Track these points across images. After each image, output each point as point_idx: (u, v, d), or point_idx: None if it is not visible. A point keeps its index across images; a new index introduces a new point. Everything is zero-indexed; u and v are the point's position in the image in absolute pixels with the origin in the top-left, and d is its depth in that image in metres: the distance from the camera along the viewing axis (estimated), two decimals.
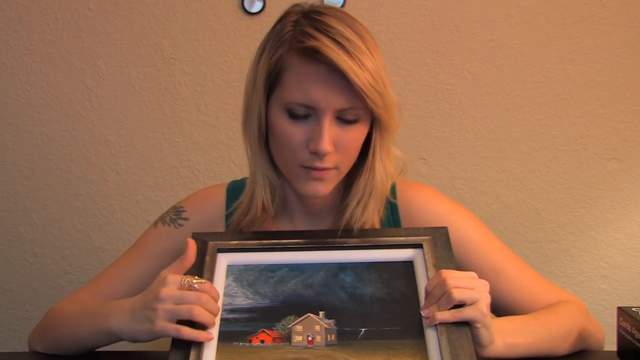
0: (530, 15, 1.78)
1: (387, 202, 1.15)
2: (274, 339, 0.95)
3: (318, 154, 1.01)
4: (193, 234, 1.08)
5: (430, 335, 0.94)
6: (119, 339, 1.02)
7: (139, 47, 1.80)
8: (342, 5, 1.77)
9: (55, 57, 1.81)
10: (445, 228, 1.07)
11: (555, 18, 1.78)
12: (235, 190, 1.19)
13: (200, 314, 0.93)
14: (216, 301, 0.96)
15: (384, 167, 1.10)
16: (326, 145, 1.00)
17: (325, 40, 0.99)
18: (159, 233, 1.19)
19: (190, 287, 0.94)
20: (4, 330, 1.89)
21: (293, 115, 1.02)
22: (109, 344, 1.06)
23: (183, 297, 0.93)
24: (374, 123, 1.07)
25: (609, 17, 1.78)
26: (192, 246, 0.99)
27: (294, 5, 1.08)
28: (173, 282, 0.94)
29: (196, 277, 0.96)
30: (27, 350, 1.20)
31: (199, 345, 0.93)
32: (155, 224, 1.21)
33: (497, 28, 1.79)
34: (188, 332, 0.92)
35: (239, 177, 1.26)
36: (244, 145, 1.13)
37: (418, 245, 1.05)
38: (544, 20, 1.78)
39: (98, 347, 1.09)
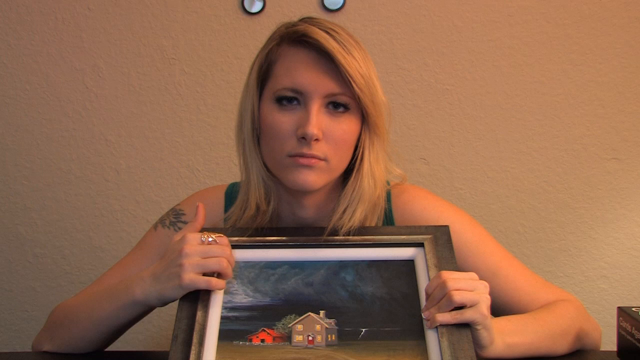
0: (530, 15, 1.78)
1: (383, 210, 1.15)
2: (274, 338, 0.95)
3: (306, 138, 1.01)
4: None
5: (431, 337, 0.94)
6: (145, 307, 1.03)
7: (139, 47, 1.80)
8: (342, 6, 1.77)
9: (55, 57, 1.81)
10: (446, 227, 1.07)
11: (555, 18, 1.78)
12: (234, 193, 1.19)
13: (228, 266, 0.98)
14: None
15: (372, 172, 1.09)
16: (314, 128, 1.00)
17: (314, 28, 1.03)
18: (159, 236, 1.20)
19: (210, 242, 0.99)
20: (4, 330, 1.89)
21: (282, 103, 1.04)
22: (132, 318, 1.07)
23: (209, 251, 0.98)
24: (363, 123, 1.08)
25: (609, 17, 1.78)
26: (202, 209, 1.06)
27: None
28: (194, 239, 0.99)
29: (213, 232, 1.01)
30: (27, 350, 1.19)
31: (200, 343, 0.92)
32: (155, 226, 1.21)
33: (497, 28, 1.79)
34: (217, 283, 0.97)
35: (238, 177, 1.26)
36: (237, 151, 1.13)
37: (419, 244, 1.05)
38: (544, 20, 1.78)
39: (119, 327, 1.08)
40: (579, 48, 1.79)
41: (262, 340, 0.95)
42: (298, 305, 0.99)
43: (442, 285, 0.93)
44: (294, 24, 1.07)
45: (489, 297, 0.94)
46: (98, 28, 1.80)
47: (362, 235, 1.08)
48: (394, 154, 1.15)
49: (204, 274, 0.98)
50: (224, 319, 0.97)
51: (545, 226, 1.84)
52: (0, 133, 1.83)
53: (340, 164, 1.07)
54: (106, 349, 1.15)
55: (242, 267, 1.04)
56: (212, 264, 0.97)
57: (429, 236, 1.05)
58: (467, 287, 0.93)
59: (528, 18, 1.78)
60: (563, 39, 1.79)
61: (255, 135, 1.09)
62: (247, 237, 1.08)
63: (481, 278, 0.98)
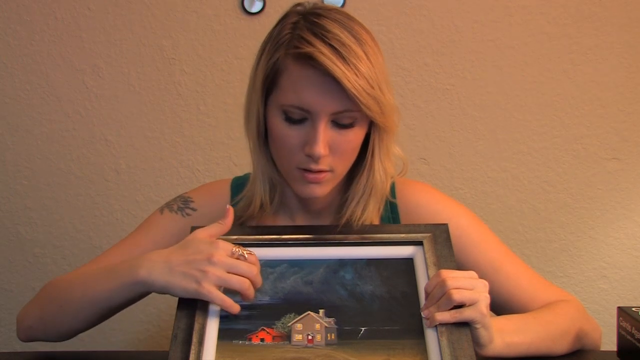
0: (530, 15, 1.78)
1: (387, 201, 1.15)
2: (274, 338, 0.95)
3: (313, 157, 1.02)
4: (192, 228, 1.07)
5: (431, 336, 0.93)
6: (144, 290, 0.99)
7: (139, 47, 1.80)
8: (342, 6, 1.77)
9: (55, 57, 1.81)
10: (445, 225, 1.07)
11: (555, 18, 1.78)
12: (238, 186, 1.19)
13: (249, 288, 0.95)
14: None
15: (384, 167, 1.10)
16: (320, 148, 1.00)
17: (320, 45, 0.98)
18: (165, 219, 1.18)
19: (239, 257, 0.96)
20: (4, 330, 1.89)
21: (289, 119, 1.03)
22: (127, 300, 1.03)
23: (236, 267, 0.94)
24: (372, 125, 1.07)
25: (609, 17, 1.78)
26: (231, 212, 1.01)
27: (296, 5, 1.08)
28: (224, 249, 0.95)
29: (245, 248, 0.98)
30: (27, 350, 1.19)
31: (200, 342, 0.92)
32: (161, 210, 1.20)
33: (497, 28, 1.79)
34: (231, 305, 0.94)
35: (238, 175, 1.26)
36: (247, 141, 1.12)
37: (418, 243, 1.05)
38: (544, 20, 1.78)
39: (112, 307, 1.05)
40: (579, 48, 1.79)
41: (262, 340, 0.95)
42: (297, 304, 0.99)
43: (442, 283, 0.93)
44: (299, 37, 1.01)
45: (488, 295, 0.94)
46: (98, 28, 1.80)
47: (360, 233, 1.08)
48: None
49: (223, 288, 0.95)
50: (223, 318, 0.97)
51: (545, 226, 1.84)
52: (0, 133, 1.83)
53: (346, 169, 1.08)
54: (106, 350, 1.15)
55: None
56: (235, 282, 0.94)
57: (428, 234, 1.05)
58: (467, 286, 0.93)
59: (528, 18, 1.78)
60: (563, 39, 1.79)
61: (261, 135, 1.09)
62: (247, 235, 1.08)
63: (482, 273, 0.98)
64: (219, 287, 0.94)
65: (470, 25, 1.79)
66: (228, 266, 0.94)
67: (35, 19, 1.80)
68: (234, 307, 0.94)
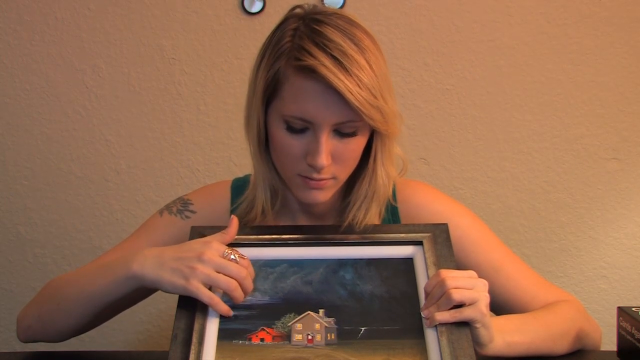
0: (530, 15, 1.78)
1: (388, 203, 1.15)
2: (273, 338, 0.95)
3: (315, 168, 1.02)
4: (192, 227, 1.07)
5: (430, 336, 0.94)
6: (136, 284, 0.99)
7: (139, 47, 1.80)
8: (342, 6, 1.77)
9: (55, 57, 1.81)
10: (445, 225, 1.07)
11: (555, 18, 1.78)
12: (239, 188, 1.19)
13: (236, 289, 0.95)
14: (252, 279, 0.98)
15: (386, 171, 1.10)
16: (323, 159, 1.00)
17: (322, 57, 0.97)
18: (165, 222, 1.18)
19: (231, 260, 0.96)
20: (4, 330, 1.89)
21: (291, 129, 1.02)
22: (121, 296, 1.02)
23: (225, 267, 0.95)
24: (374, 131, 1.06)
25: (609, 17, 1.78)
26: (235, 223, 1.01)
27: (295, 7, 1.07)
28: (217, 249, 0.96)
29: (239, 252, 0.98)
30: (27, 350, 1.19)
31: (199, 343, 0.92)
32: (160, 212, 1.20)
33: (497, 28, 1.79)
34: (218, 303, 0.94)
35: (239, 176, 1.26)
36: (247, 145, 1.12)
37: (418, 243, 1.05)
38: (544, 20, 1.78)
39: (107, 305, 1.04)
40: (579, 48, 1.79)
41: (262, 340, 0.95)
42: (297, 304, 0.99)
43: (441, 283, 0.93)
44: (300, 48, 0.99)
45: (488, 295, 0.94)
46: (98, 28, 1.80)
47: (360, 233, 1.08)
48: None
49: (212, 289, 0.96)
50: (223, 318, 0.97)
51: (545, 226, 1.84)
52: (0, 133, 1.83)
53: (347, 175, 1.08)
54: (106, 350, 1.15)
55: None
56: (222, 282, 0.94)
57: (428, 234, 1.05)
58: (466, 285, 0.93)
59: (528, 18, 1.78)
60: (563, 39, 1.79)
61: (261, 142, 1.08)
62: (246, 235, 1.08)
63: (483, 274, 0.98)
64: (207, 286, 0.95)
65: (470, 25, 1.79)
66: (217, 265, 0.95)
67: (35, 19, 1.80)
68: (222, 306, 0.95)
